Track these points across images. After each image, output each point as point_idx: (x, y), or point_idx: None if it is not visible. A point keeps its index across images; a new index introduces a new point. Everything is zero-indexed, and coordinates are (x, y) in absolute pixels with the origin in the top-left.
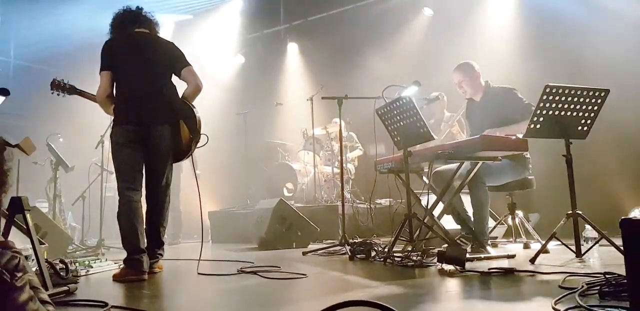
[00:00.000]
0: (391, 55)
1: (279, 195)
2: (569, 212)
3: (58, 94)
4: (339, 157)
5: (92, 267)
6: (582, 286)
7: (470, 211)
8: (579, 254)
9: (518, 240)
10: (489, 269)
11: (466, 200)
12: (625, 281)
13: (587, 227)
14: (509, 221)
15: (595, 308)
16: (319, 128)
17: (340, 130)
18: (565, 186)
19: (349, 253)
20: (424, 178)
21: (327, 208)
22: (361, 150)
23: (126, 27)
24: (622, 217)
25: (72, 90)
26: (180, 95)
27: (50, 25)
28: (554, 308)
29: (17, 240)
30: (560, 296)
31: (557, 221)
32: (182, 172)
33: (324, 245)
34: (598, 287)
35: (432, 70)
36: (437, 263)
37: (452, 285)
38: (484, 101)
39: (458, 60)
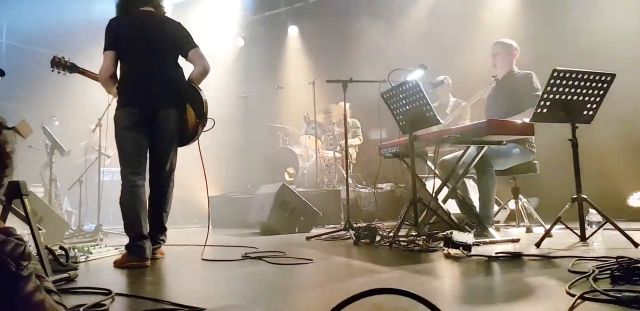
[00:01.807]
0: (396, 37)
1: (280, 179)
2: (574, 196)
3: (59, 72)
4: (341, 141)
5: (91, 253)
6: (593, 271)
7: (474, 197)
8: (583, 238)
9: (521, 224)
10: (496, 253)
11: (469, 186)
12: (638, 265)
13: (591, 211)
14: (511, 205)
15: (611, 293)
16: (320, 112)
17: (345, 112)
18: (565, 170)
19: (354, 238)
20: (429, 163)
21: (329, 193)
22: (360, 139)
23: (132, 6)
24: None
25: (73, 69)
26: (186, 78)
27: (44, 5)
28: (568, 293)
29: (13, 226)
30: (574, 280)
31: (557, 205)
32: None
33: (327, 230)
34: (609, 271)
35: (439, 53)
36: (443, 248)
37: (461, 269)
38: (502, 83)
39: (464, 43)
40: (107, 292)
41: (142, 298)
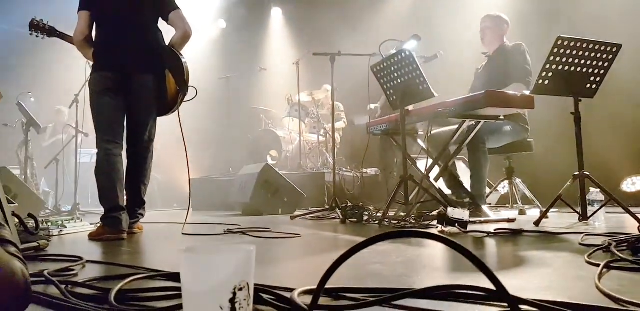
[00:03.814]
0: (384, 13)
1: (263, 162)
2: (576, 173)
3: (37, 36)
4: (326, 125)
5: (65, 227)
6: (610, 243)
7: (464, 179)
8: (584, 217)
9: (514, 206)
10: (495, 230)
11: (460, 168)
12: None
13: (592, 190)
14: (500, 188)
15: None
16: (304, 94)
17: (333, 92)
18: (555, 151)
19: (340, 217)
20: (419, 141)
21: (313, 176)
22: (345, 122)
23: None
24: None
25: (52, 32)
26: (167, 43)
27: None
28: (589, 263)
29: None
30: (592, 251)
31: (550, 186)
32: None
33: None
34: (625, 244)
35: (428, 29)
36: (437, 225)
37: (463, 243)
38: (493, 57)
39: (456, 17)
40: (78, 259)
41: (116, 265)
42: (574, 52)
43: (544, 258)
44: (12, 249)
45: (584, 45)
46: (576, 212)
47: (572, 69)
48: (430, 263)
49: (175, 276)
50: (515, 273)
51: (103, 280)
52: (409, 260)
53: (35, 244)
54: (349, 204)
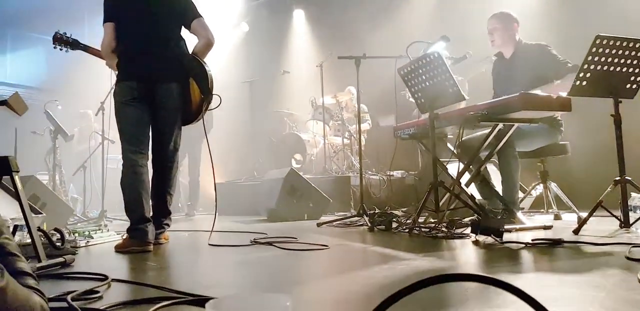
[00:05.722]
0: (409, 16)
1: (287, 166)
2: (617, 178)
3: (61, 49)
4: (350, 127)
5: (92, 238)
6: None
7: (496, 183)
8: (626, 224)
9: (549, 211)
10: (533, 240)
11: (491, 171)
12: None
13: (634, 195)
14: (534, 192)
15: None
16: (328, 97)
17: (359, 96)
18: (592, 153)
19: (368, 224)
20: (449, 145)
21: (338, 179)
22: (369, 124)
23: None
24: None
25: (76, 45)
26: (190, 51)
27: None
28: None
29: (12, 209)
30: None
31: (582, 190)
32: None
33: (338, 217)
34: None
35: (456, 29)
36: (471, 234)
37: (502, 257)
38: (513, 58)
39: (485, 16)
40: (103, 278)
41: (142, 285)
42: (613, 51)
43: (593, 277)
44: (31, 281)
45: (624, 44)
46: (616, 217)
47: (612, 68)
48: (469, 284)
49: (204, 302)
50: (568, 298)
51: (129, 305)
52: None
53: (61, 259)
54: (377, 211)
